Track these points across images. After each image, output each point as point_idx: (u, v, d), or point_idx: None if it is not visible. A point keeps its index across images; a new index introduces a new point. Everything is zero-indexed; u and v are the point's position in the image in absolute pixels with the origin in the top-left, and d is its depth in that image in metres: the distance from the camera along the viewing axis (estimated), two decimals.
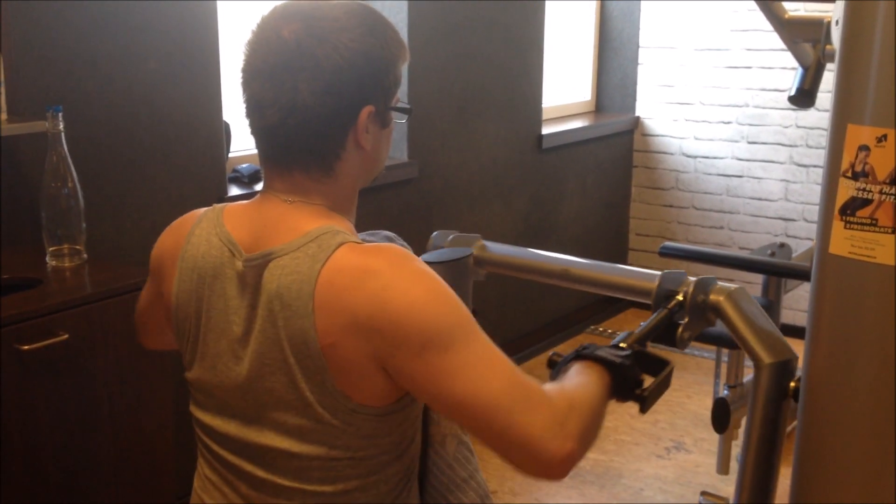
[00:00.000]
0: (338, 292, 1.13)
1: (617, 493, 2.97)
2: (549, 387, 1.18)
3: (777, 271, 2.94)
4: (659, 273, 1.58)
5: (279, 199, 1.23)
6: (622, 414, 3.50)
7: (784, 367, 1.45)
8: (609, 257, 4.65)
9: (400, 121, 1.30)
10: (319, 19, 1.18)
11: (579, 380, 1.24)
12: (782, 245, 3.23)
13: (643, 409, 1.34)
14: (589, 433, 1.17)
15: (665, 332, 1.50)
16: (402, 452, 1.28)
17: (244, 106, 1.24)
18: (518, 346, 4.00)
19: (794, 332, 2.17)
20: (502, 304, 3.91)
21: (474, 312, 1.75)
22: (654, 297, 1.56)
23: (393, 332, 1.11)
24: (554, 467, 1.12)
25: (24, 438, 1.77)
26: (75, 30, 2.27)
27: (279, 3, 1.24)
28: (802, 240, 4.15)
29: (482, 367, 1.12)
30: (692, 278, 1.56)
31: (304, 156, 1.21)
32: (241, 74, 1.23)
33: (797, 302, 3.85)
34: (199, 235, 1.27)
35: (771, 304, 3.11)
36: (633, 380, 1.32)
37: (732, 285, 1.56)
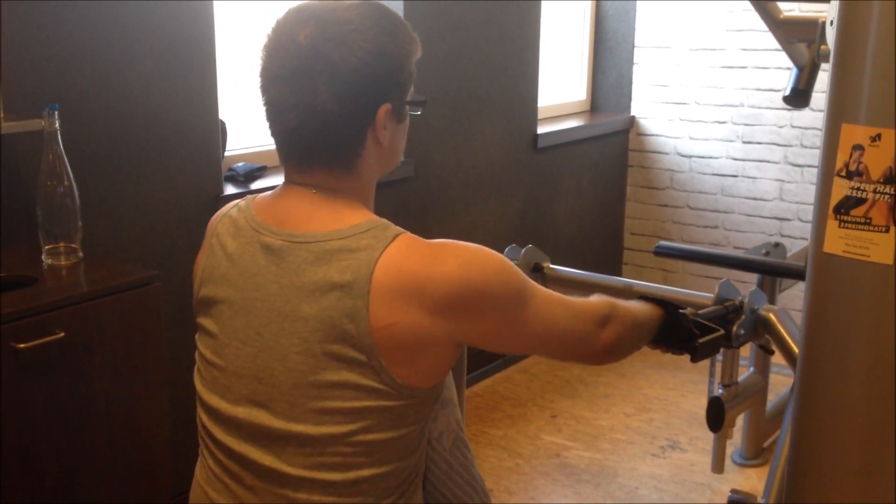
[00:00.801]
0: (407, 277, 1.19)
1: (612, 492, 2.98)
2: (599, 297, 1.44)
3: (772, 271, 2.95)
4: (717, 286, 1.81)
5: (304, 189, 1.27)
6: (617, 413, 3.51)
7: None
8: (604, 256, 4.66)
9: (415, 113, 1.33)
10: (334, 23, 1.21)
11: (633, 303, 1.52)
12: (777, 244, 3.24)
13: (694, 359, 1.57)
14: (626, 336, 1.43)
15: (688, 340, 1.62)
16: (416, 448, 1.30)
17: (264, 110, 1.27)
18: None
19: None
20: None
21: None
22: (714, 301, 1.79)
23: (481, 301, 1.22)
24: (598, 354, 1.40)
25: (21, 437, 1.77)
26: (71, 29, 2.27)
27: (291, 5, 1.26)
28: (797, 239, 4.16)
29: (549, 306, 1.32)
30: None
31: (325, 156, 1.25)
32: (258, 79, 1.26)
33: (792, 301, 3.85)
34: (229, 215, 1.33)
35: None
36: (687, 330, 1.53)
37: (776, 307, 1.81)
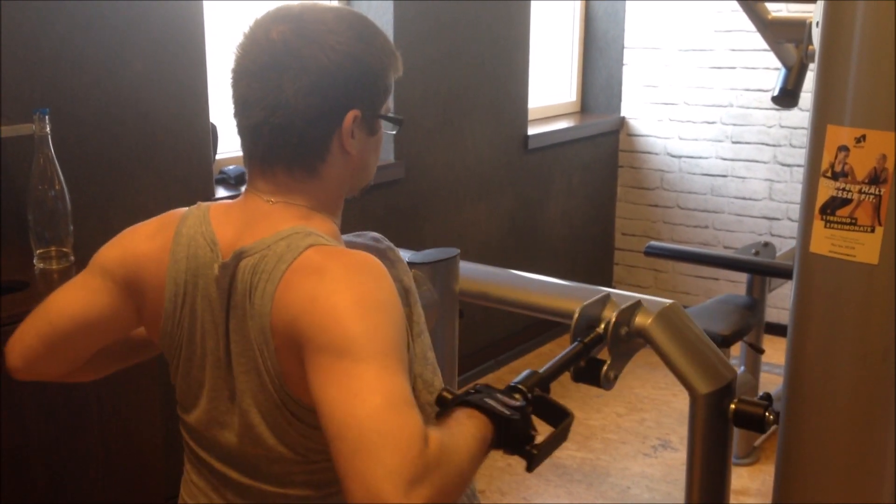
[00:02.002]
0: (291, 291, 1.12)
1: (604, 492, 2.99)
2: (434, 434, 1.04)
3: (761, 270, 2.97)
4: (581, 303, 1.43)
5: (262, 199, 1.23)
6: (609, 413, 3.52)
7: (722, 393, 1.41)
8: (595, 257, 4.67)
9: (390, 132, 1.30)
10: (309, 22, 1.20)
11: (458, 430, 1.11)
12: (766, 244, 3.26)
13: (530, 468, 1.19)
14: (446, 493, 1.02)
15: (588, 370, 1.36)
16: None
17: (232, 106, 1.25)
18: (504, 346, 4.02)
19: (779, 330, 2.19)
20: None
21: (459, 314, 1.73)
22: (573, 330, 1.41)
23: (308, 327, 1.08)
24: None
25: (13, 440, 1.77)
26: (62, 32, 2.27)
27: (271, 5, 1.25)
28: (787, 239, 4.18)
29: (366, 388, 1.01)
30: (615, 308, 1.40)
31: (286, 155, 1.21)
32: (230, 75, 1.25)
33: (782, 300, 3.87)
34: (185, 235, 1.26)
35: (755, 303, 3.14)
36: (523, 434, 1.17)
37: (664, 301, 1.43)
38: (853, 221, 1.17)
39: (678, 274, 4.58)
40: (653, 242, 2.79)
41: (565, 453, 3.20)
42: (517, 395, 1.20)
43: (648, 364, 3.94)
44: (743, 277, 3.23)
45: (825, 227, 1.20)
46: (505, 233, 3.97)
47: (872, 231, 1.15)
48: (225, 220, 1.25)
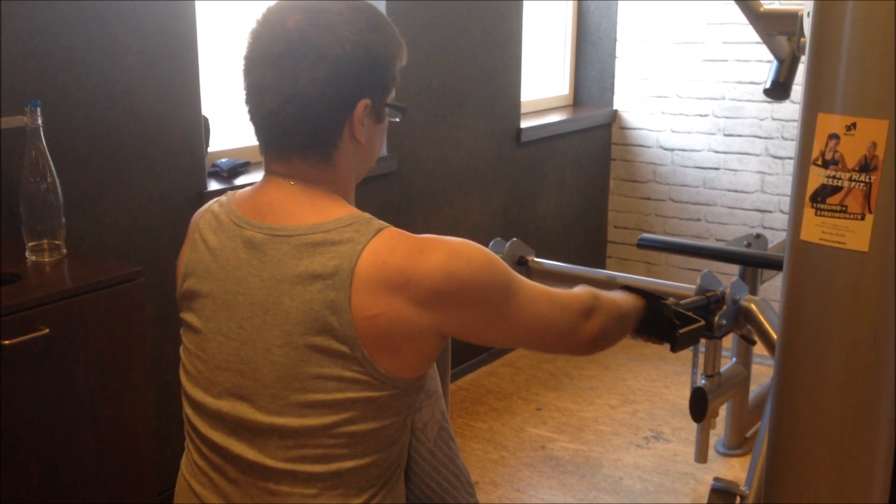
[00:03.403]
0: (392, 270, 1.19)
1: (597, 483, 2.99)
2: (583, 289, 1.45)
3: (753, 262, 2.97)
4: (699, 276, 1.81)
5: (283, 181, 1.27)
6: (601, 405, 3.53)
7: None
8: (588, 250, 4.68)
9: (394, 119, 1.33)
10: (323, 11, 1.22)
11: (616, 294, 1.52)
12: (758, 236, 3.27)
13: (674, 348, 1.56)
14: (610, 327, 1.44)
15: (670, 328, 1.61)
16: (398, 439, 1.31)
17: (244, 93, 1.27)
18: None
19: None
20: None
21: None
22: (698, 289, 1.78)
23: (466, 294, 1.23)
24: (582, 345, 1.41)
25: (6, 434, 1.77)
26: (54, 24, 2.26)
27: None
28: (779, 231, 4.20)
29: (534, 299, 1.32)
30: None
31: (301, 143, 1.25)
32: (242, 62, 1.27)
33: (774, 292, 3.88)
34: (211, 211, 1.33)
35: None
36: (668, 320, 1.54)
37: (758, 298, 1.80)
38: (844, 209, 1.17)
39: (671, 266, 4.59)
40: (645, 235, 2.79)
41: (558, 445, 3.21)
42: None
43: (641, 356, 3.95)
44: (735, 270, 3.23)
45: (816, 214, 1.20)
46: (498, 226, 3.97)
47: (863, 218, 1.16)
48: (246, 200, 1.30)
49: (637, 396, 3.63)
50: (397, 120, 1.35)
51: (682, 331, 1.55)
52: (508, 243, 2.27)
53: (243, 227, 1.26)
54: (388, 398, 1.24)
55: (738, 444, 3.18)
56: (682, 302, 1.66)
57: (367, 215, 1.26)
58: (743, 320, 1.83)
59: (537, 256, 2.32)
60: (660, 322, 1.54)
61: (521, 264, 2.28)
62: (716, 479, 1.90)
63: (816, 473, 1.31)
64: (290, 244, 1.22)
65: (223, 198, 1.35)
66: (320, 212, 1.24)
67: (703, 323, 1.61)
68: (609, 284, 2.03)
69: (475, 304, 1.24)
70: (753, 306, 1.80)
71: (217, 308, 1.27)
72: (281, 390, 1.22)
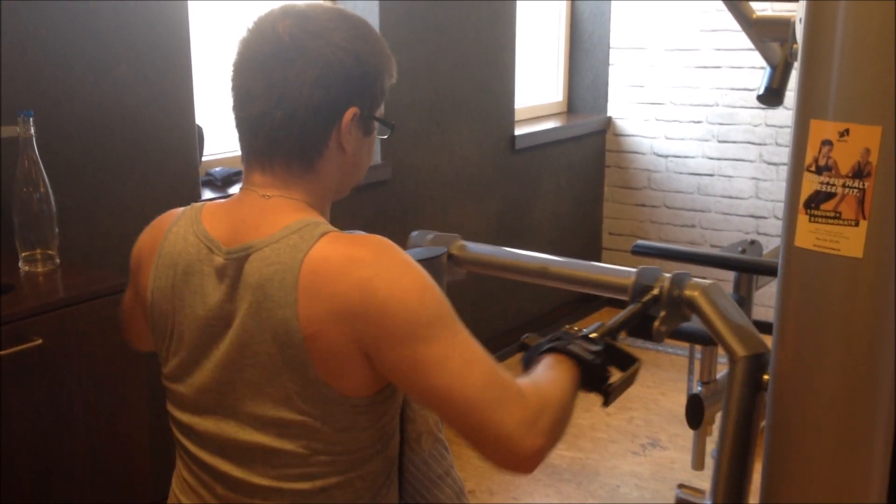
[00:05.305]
0: (323, 280, 1.14)
1: (593, 491, 2.99)
2: (524, 382, 1.22)
3: (747, 268, 2.97)
4: (635, 270, 1.61)
5: (257, 194, 1.25)
6: (598, 412, 3.53)
7: (757, 360, 1.48)
8: (583, 256, 4.66)
9: (382, 136, 1.32)
10: (314, 18, 1.22)
11: (551, 375, 1.29)
12: (753, 242, 3.26)
13: (606, 403, 1.39)
14: (558, 429, 1.22)
15: (640, 326, 1.53)
16: (381, 449, 1.29)
17: (231, 97, 1.26)
18: (493, 345, 4.01)
19: (766, 328, 2.19)
20: (477, 304, 3.92)
21: None
22: (631, 291, 1.58)
23: (379, 320, 1.13)
24: (525, 462, 1.17)
25: None
26: (46, 34, 2.26)
27: (268, 7, 1.26)
28: (773, 237, 4.20)
29: (463, 361, 1.14)
30: (667, 274, 1.59)
31: (286, 148, 1.23)
32: (231, 67, 1.26)
33: (769, 298, 3.87)
34: (175, 233, 1.28)
35: (742, 301, 3.14)
36: (601, 375, 1.36)
37: (707, 281, 1.58)
38: (837, 215, 1.17)
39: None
40: (640, 242, 2.78)
41: (554, 453, 3.20)
42: (593, 336, 1.39)
43: None
44: (730, 276, 3.23)
45: (809, 221, 1.20)
46: (493, 233, 3.97)
47: (857, 225, 1.16)
48: (219, 219, 1.27)
49: (633, 404, 3.63)
50: (385, 137, 1.33)
51: (612, 382, 1.37)
52: (429, 235, 2.05)
53: (214, 252, 1.23)
54: (353, 418, 1.21)
55: None
56: (611, 323, 1.46)
57: (317, 220, 1.21)
58: (688, 312, 1.58)
59: None
60: (594, 380, 1.36)
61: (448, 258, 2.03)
62: (680, 485, 1.87)
63: (814, 479, 1.30)
64: (249, 263, 1.19)
65: (188, 211, 1.30)
66: (278, 222, 1.20)
67: (637, 364, 1.42)
68: (542, 273, 1.79)
69: (387, 332, 1.13)
70: (697, 295, 1.54)
71: (191, 334, 1.25)
72: (259, 408, 1.21)
